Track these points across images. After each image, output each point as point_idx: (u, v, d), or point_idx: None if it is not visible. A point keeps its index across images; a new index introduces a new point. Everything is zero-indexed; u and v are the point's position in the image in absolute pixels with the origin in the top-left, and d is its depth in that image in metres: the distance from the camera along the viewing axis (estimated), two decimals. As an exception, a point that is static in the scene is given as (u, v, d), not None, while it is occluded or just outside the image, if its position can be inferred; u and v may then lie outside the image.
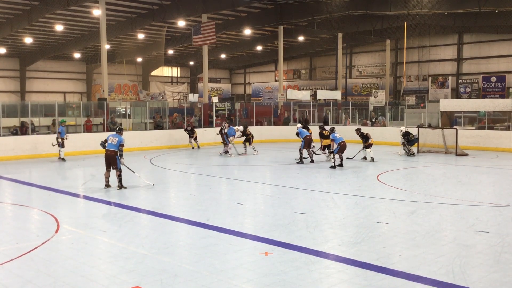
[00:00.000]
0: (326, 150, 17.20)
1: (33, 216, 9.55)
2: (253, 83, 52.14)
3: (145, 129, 25.69)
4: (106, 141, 11.92)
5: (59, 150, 17.99)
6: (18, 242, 7.59)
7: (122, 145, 11.82)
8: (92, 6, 25.72)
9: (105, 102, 23.37)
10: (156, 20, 29.12)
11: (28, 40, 33.75)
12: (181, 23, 29.76)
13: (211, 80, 48.83)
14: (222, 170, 16.58)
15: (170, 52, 42.25)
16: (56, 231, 8.09)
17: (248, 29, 32.57)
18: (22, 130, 21.44)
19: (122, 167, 11.94)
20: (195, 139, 23.02)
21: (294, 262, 6.51)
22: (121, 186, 12.05)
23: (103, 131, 22.62)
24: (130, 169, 12.73)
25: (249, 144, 20.48)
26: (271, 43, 39.26)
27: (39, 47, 38.28)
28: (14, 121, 24.31)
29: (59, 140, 17.81)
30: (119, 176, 11.99)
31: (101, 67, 25.42)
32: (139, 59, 44.74)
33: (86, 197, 11.31)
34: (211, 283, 5.79)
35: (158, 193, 12.26)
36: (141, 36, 34.37)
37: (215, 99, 30.88)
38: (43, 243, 7.39)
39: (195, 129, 23.44)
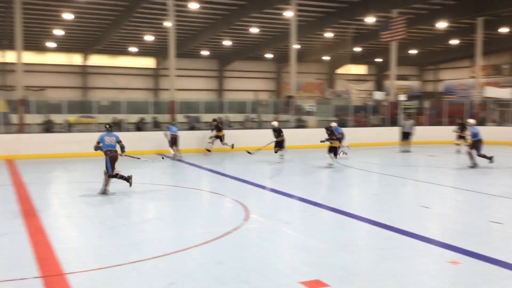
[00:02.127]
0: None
1: (226, 204, 10.42)
2: (445, 80, 48.84)
3: (330, 126, 25.99)
4: (99, 142, 11.11)
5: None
6: (213, 226, 8.37)
7: (120, 141, 11.20)
8: (284, 8, 26.91)
9: (292, 100, 24.31)
10: (345, 18, 29.17)
11: (226, 42, 36.89)
12: (369, 20, 29.32)
13: (399, 77, 46.94)
14: (407, 170, 15.93)
15: (357, 49, 41.97)
16: (246, 220, 8.70)
17: (442, 23, 30.58)
18: (219, 125, 23.52)
19: (125, 158, 11.49)
20: (221, 139, 19.45)
21: (486, 275, 5.95)
22: (128, 178, 11.27)
23: (291, 127, 23.58)
24: (134, 157, 12.56)
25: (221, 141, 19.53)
26: (467, 36, 36.23)
27: (235, 48, 41.45)
28: (212, 117, 26.83)
29: (168, 137, 18.11)
30: (117, 175, 11.17)
31: (290, 66, 26.46)
32: (326, 58, 45.38)
33: (272, 190, 11.92)
34: (392, 286, 5.62)
35: (340, 190, 12.36)
36: (328, 34, 34.82)
37: (402, 97, 29.74)
38: (234, 229, 8.01)
39: (222, 129, 19.85)
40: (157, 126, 21.81)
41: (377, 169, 16.60)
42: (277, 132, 17.17)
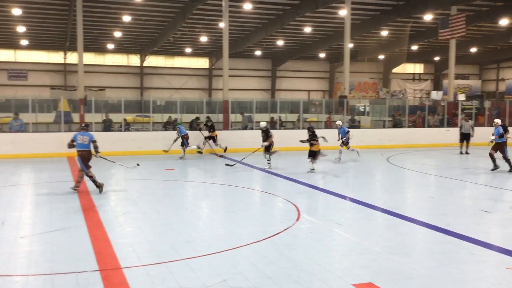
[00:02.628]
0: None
1: (278, 203, 10.42)
2: (508, 79, 46.72)
3: (383, 127, 25.50)
4: (73, 141, 11.14)
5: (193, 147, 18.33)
6: (264, 225, 8.39)
7: (94, 141, 11.15)
8: (339, 7, 26.62)
9: (345, 99, 24.00)
10: (401, 16, 28.50)
11: (279, 42, 36.92)
12: (427, 17, 28.52)
13: (458, 76, 45.52)
14: (466, 173, 15.36)
15: (414, 48, 40.91)
16: (297, 219, 8.67)
17: (504, 19, 29.29)
18: (272, 124, 23.63)
19: (99, 160, 11.49)
20: (212, 139, 19.01)
21: (551, 284, 5.65)
22: (99, 185, 11.16)
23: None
24: (108, 160, 12.42)
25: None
26: (532, 33, 34.54)
27: (288, 48, 41.41)
28: (265, 117, 26.96)
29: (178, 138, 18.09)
30: (92, 177, 11.15)
31: (343, 65, 26.17)
32: (381, 57, 44.53)
33: (323, 190, 11.82)
34: (449, 292, 5.44)
35: (394, 192, 12.09)
36: (384, 33, 34.14)
37: (461, 97, 28.75)
38: (285, 229, 8.00)
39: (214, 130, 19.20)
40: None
41: (434, 171, 16.10)
42: (265, 133, 15.66)
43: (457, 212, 9.57)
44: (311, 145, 14.60)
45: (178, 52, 41.63)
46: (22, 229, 8.10)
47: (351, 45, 28.52)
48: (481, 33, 36.79)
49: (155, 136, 20.34)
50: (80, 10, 21.55)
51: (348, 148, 17.54)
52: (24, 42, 36.49)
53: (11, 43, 37.25)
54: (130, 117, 25.15)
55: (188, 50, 40.40)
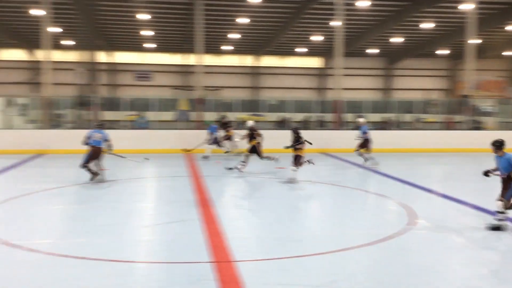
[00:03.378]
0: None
1: (391, 206, 10.08)
2: None
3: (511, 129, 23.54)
4: (89, 137, 11.88)
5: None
6: (376, 228, 8.15)
7: (107, 140, 11.94)
8: (461, 1, 25.04)
9: (468, 99, 22.54)
10: (533, 8, 26.09)
11: (395, 40, 35.64)
12: None
13: None
14: None
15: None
16: (412, 224, 8.29)
17: None
18: (385, 125, 22.92)
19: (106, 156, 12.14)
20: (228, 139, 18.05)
21: None
22: (94, 173, 11.94)
23: (466, 129, 21.95)
24: (120, 156, 12.68)
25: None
26: None
27: (405, 46, 39.86)
28: (378, 117, 26.25)
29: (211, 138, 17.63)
30: (86, 167, 11.89)
31: (465, 63, 24.55)
32: (509, 53, 41.10)
33: (441, 195, 11.19)
34: None
35: None
36: (513, 27, 31.48)
37: None
38: (399, 233, 7.69)
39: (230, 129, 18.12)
40: (322, 125, 22.04)
41: None
42: (251, 133, 13.95)
43: None
44: (296, 149, 12.44)
45: (290, 51, 42.02)
46: (145, 219, 8.73)
47: (475, 41, 26.68)
48: None
49: (270, 134, 20.64)
50: (200, 13, 22.65)
51: (367, 151, 15.64)
52: (149, 45, 39.20)
53: (136, 46, 40.24)
54: (244, 115, 25.89)
55: (300, 49, 40.59)
